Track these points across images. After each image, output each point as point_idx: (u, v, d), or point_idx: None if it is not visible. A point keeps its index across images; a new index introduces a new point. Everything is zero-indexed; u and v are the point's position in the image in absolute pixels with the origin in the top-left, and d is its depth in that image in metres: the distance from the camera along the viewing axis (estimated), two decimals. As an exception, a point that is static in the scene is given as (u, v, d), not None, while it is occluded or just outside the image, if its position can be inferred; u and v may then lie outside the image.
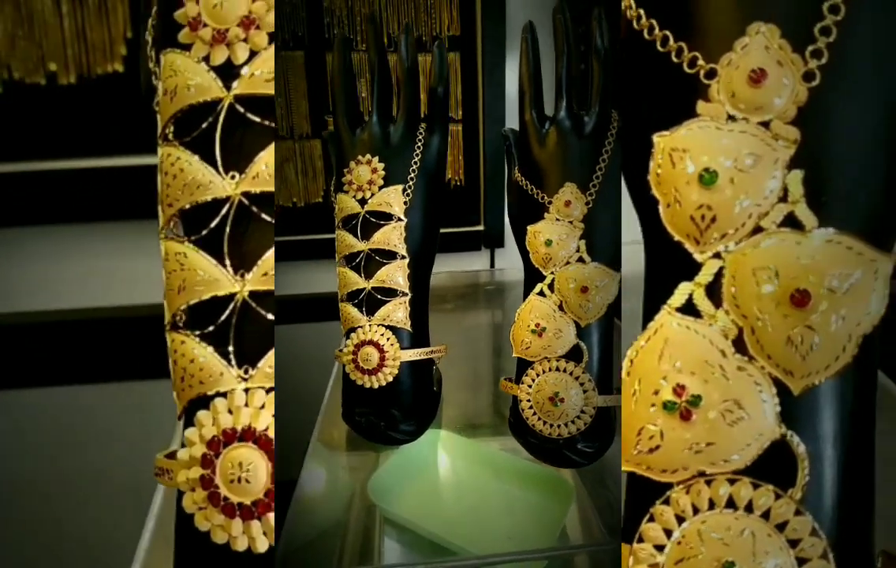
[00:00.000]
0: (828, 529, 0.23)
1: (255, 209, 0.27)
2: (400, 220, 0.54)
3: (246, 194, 0.27)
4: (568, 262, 0.48)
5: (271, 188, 0.28)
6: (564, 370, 0.47)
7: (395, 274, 0.54)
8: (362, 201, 0.55)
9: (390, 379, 0.53)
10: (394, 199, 0.54)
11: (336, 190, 0.58)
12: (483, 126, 1.32)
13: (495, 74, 1.27)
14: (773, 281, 0.23)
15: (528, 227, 0.51)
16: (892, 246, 0.25)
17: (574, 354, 0.48)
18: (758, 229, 0.23)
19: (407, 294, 0.54)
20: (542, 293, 0.49)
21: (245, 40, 0.28)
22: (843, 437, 0.23)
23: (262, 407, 0.27)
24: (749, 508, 0.23)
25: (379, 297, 0.54)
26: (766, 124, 0.24)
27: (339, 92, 0.59)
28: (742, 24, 0.25)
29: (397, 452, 0.60)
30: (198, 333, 0.28)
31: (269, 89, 0.28)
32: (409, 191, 0.55)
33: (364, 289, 0.54)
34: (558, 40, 0.54)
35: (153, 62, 0.30)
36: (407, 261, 0.54)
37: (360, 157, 0.56)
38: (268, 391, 0.27)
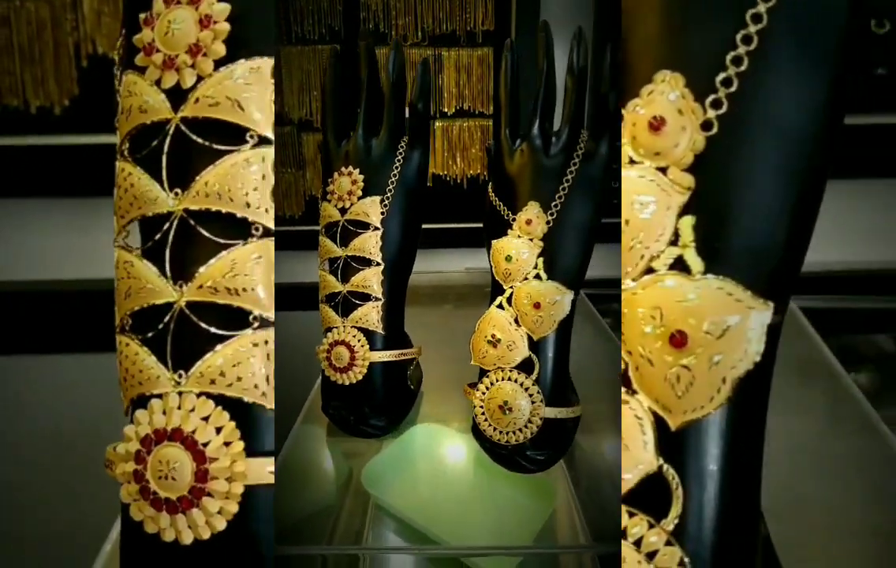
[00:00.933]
0: (703, 560, 0.24)
1: (195, 225, 0.29)
2: (376, 228, 0.57)
3: (187, 211, 0.29)
4: (526, 278, 0.49)
5: (214, 206, 0.29)
6: (516, 380, 0.48)
7: (370, 279, 0.57)
8: (342, 210, 0.58)
9: (360, 378, 0.56)
10: (371, 209, 0.57)
11: (322, 198, 0.60)
12: None
13: (526, 70, 1.33)
14: (656, 321, 0.24)
15: (493, 242, 0.52)
16: (785, 296, 0.26)
17: (526, 366, 0.49)
18: (649, 270, 0.25)
19: (380, 299, 0.57)
20: (500, 306, 0.50)
21: (192, 66, 0.29)
22: (722, 472, 0.24)
23: (192, 410, 0.28)
24: (623, 536, 0.24)
25: (354, 300, 0.57)
26: (663, 170, 0.25)
27: (329, 105, 0.62)
28: (651, 70, 0.26)
29: (394, 443, 0.62)
30: (140, 337, 0.30)
31: (215, 113, 0.29)
32: (386, 202, 0.58)
33: (340, 292, 0.57)
34: (539, 58, 0.55)
35: (118, 81, 0.33)
36: (382, 268, 0.57)
37: (342, 169, 0.59)
38: (200, 395, 0.29)
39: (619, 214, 0.26)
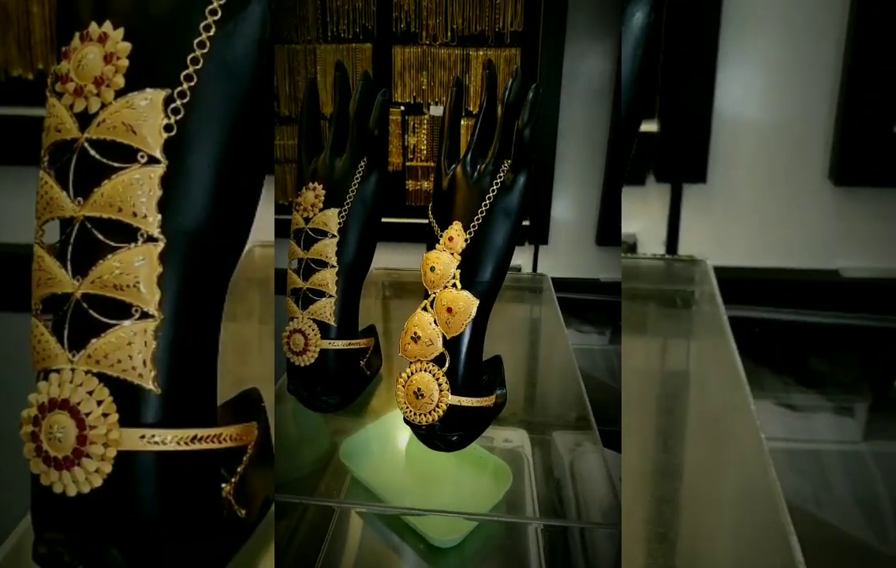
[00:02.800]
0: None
1: (92, 229, 0.32)
2: (333, 236, 0.64)
3: (87, 217, 0.32)
4: (445, 287, 0.54)
5: (107, 214, 0.32)
6: (429, 372, 0.54)
7: (326, 279, 0.63)
8: (307, 219, 0.64)
9: (312, 361, 0.63)
10: (330, 220, 0.64)
11: (293, 208, 0.67)
12: (537, 122, 1.36)
13: (553, 71, 1.26)
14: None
15: (424, 254, 0.57)
16: None
17: (439, 360, 0.54)
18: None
19: (334, 296, 0.63)
20: (425, 308, 0.55)
21: (97, 95, 0.31)
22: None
23: (81, 385, 0.31)
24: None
25: (311, 296, 0.64)
26: None
27: (304, 128, 0.68)
28: None
29: (372, 425, 0.71)
30: (45, 319, 0.33)
31: (112, 135, 0.31)
32: (343, 213, 0.64)
33: (301, 288, 0.64)
34: (482, 93, 0.60)
35: (48, 101, 0.39)
36: (336, 270, 0.64)
37: (309, 184, 0.65)
38: (87, 373, 0.33)
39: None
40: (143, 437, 0.33)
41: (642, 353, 0.90)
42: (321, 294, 0.64)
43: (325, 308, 0.64)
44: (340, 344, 0.65)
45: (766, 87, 1.26)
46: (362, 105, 0.66)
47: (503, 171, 0.57)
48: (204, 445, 0.35)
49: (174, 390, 0.34)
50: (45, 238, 0.35)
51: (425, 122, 1.35)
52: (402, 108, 1.35)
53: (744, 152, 1.28)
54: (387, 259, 1.13)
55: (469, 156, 0.58)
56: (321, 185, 0.66)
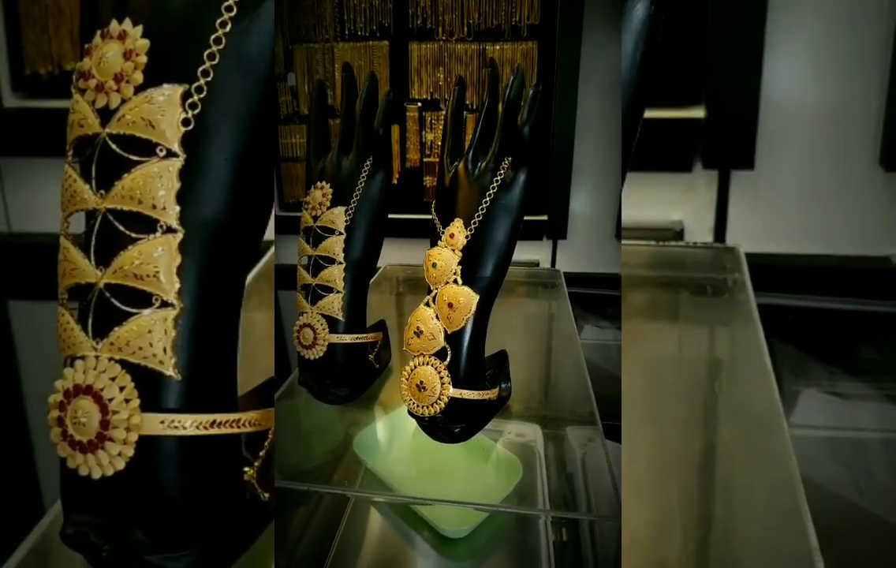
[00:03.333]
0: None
1: (114, 221, 0.33)
2: (341, 233, 0.65)
3: (109, 209, 0.33)
4: (447, 282, 0.55)
5: (128, 206, 0.33)
6: (432, 365, 0.54)
7: (334, 275, 0.65)
8: (315, 218, 0.66)
9: (321, 354, 0.65)
10: (337, 218, 0.65)
11: (303, 207, 0.68)
12: (555, 116, 1.31)
13: (571, 64, 1.27)
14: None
15: (427, 251, 0.58)
16: None
17: (440, 354, 0.55)
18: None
19: (341, 292, 0.65)
20: (427, 304, 0.56)
21: (118, 91, 0.33)
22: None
23: (104, 371, 0.32)
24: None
25: (320, 291, 0.65)
26: None
27: (312, 129, 0.69)
28: None
29: (386, 417, 0.72)
30: (71, 308, 0.34)
31: (132, 130, 0.32)
32: (350, 211, 0.65)
33: (311, 284, 0.66)
34: (484, 91, 0.59)
35: (72, 98, 0.40)
36: (344, 266, 0.65)
37: (317, 183, 0.67)
38: (110, 359, 0.34)
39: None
40: (163, 422, 0.34)
41: (672, 341, 0.90)
42: (329, 289, 0.66)
43: (333, 303, 0.66)
44: (348, 338, 0.67)
45: (815, 72, 1.24)
46: (368, 105, 0.67)
47: (504, 168, 0.57)
48: (223, 430, 0.36)
49: (194, 377, 0.35)
50: (71, 230, 0.36)
51: (442, 118, 1.36)
52: (419, 104, 1.37)
53: (792, 138, 1.27)
54: (404, 255, 1.15)
55: (471, 153, 0.59)
56: (328, 184, 0.67)
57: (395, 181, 1.41)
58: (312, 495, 0.63)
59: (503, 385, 0.64)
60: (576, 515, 0.63)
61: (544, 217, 1.35)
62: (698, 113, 1.26)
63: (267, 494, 0.41)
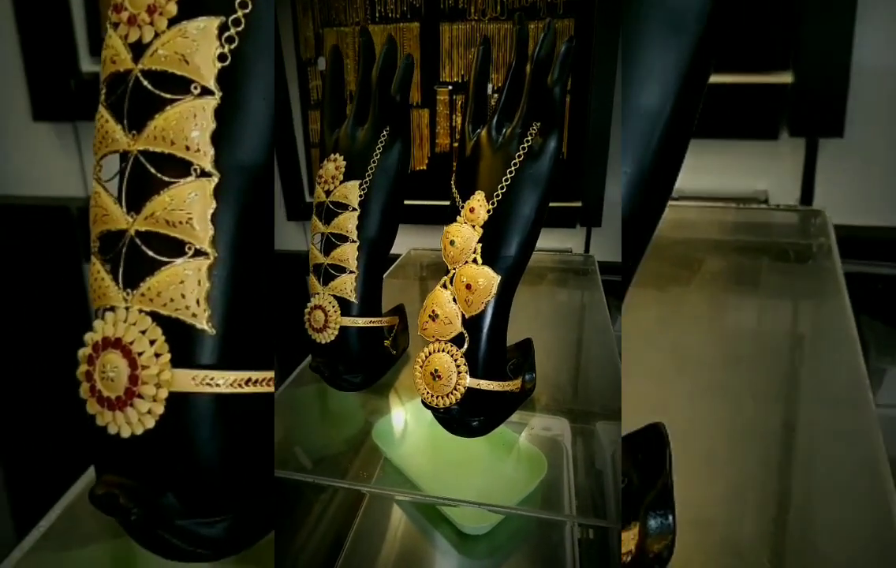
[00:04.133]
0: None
1: (145, 163, 0.32)
2: (354, 209, 0.63)
3: (141, 151, 0.32)
4: (466, 262, 0.52)
5: (160, 148, 0.32)
6: (447, 352, 0.52)
7: (347, 254, 0.63)
8: (328, 192, 0.64)
9: (333, 338, 0.63)
10: (350, 192, 0.64)
11: (316, 181, 0.66)
12: (590, 97, 1.28)
13: (609, 44, 1.23)
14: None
15: (445, 227, 0.55)
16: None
17: (457, 340, 0.52)
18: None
19: (354, 272, 0.63)
20: (444, 285, 0.53)
21: (151, 23, 0.32)
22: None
23: (134, 324, 0.32)
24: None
25: (332, 271, 0.64)
26: None
27: (327, 99, 0.68)
28: None
29: (409, 403, 0.70)
30: (102, 257, 0.34)
31: (166, 65, 0.32)
32: (365, 185, 0.64)
33: (322, 264, 0.64)
34: (512, 51, 0.56)
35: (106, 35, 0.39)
36: (357, 244, 0.63)
37: (331, 155, 0.65)
38: (141, 311, 0.33)
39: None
40: (195, 378, 0.33)
41: (751, 309, 0.88)
42: (342, 269, 0.64)
43: (346, 284, 0.64)
44: (362, 322, 0.65)
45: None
46: (385, 72, 0.65)
47: (531, 134, 0.53)
48: (259, 389, 0.35)
49: (229, 331, 0.34)
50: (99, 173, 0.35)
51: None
52: (450, 87, 1.37)
53: (884, 105, 1.24)
54: (433, 243, 1.14)
55: (495, 119, 0.55)
56: (342, 157, 0.66)
57: (424, 166, 1.41)
58: (335, 476, 0.61)
59: (527, 376, 0.61)
60: (602, 522, 0.60)
61: (578, 204, 1.33)
62: (785, 78, 1.24)
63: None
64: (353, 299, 0.64)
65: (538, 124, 0.53)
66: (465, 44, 1.33)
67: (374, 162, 0.65)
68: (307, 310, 0.65)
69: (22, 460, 1.46)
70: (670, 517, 0.33)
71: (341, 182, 0.65)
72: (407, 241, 1.27)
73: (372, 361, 0.68)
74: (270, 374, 0.36)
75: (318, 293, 0.65)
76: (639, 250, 0.29)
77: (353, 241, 0.64)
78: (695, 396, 0.64)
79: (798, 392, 0.67)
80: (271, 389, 0.35)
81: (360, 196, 0.64)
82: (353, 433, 0.70)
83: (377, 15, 1.33)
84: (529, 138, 0.53)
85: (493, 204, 0.53)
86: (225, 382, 0.34)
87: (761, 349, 0.75)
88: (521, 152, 0.53)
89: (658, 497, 0.36)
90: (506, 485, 0.63)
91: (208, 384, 0.33)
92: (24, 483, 1.43)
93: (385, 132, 0.65)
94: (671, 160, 0.28)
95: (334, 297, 0.64)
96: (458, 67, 1.35)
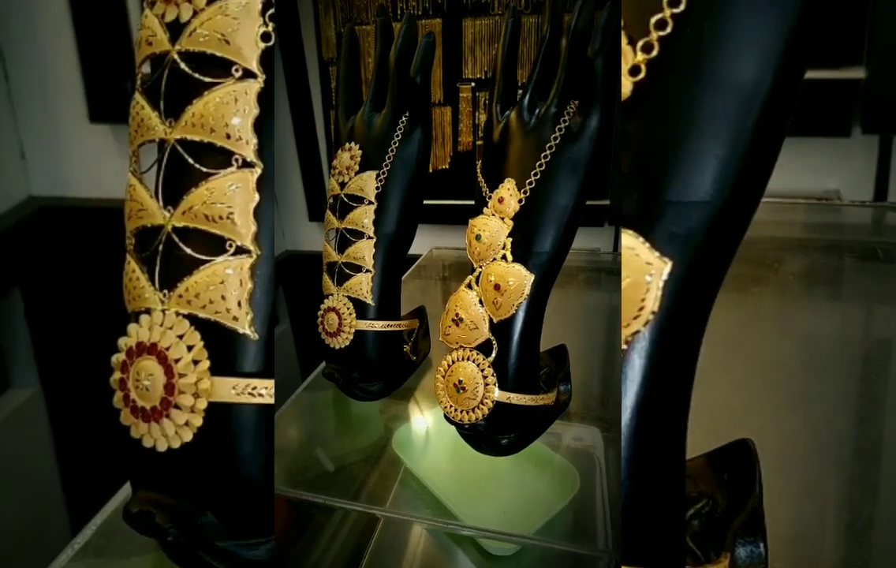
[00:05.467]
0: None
1: (183, 153, 0.32)
2: (371, 203, 0.62)
3: (178, 140, 0.32)
4: (494, 259, 0.49)
5: (199, 136, 0.32)
6: (474, 361, 0.50)
7: (363, 252, 0.62)
8: (342, 185, 0.63)
9: (347, 343, 0.62)
10: (367, 184, 0.62)
11: (330, 173, 0.65)
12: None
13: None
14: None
15: (469, 220, 0.52)
16: (704, 254, 0.26)
17: (484, 348, 0.50)
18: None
19: (371, 271, 0.62)
20: (469, 286, 0.51)
21: (189, 1, 0.32)
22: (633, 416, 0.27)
23: (171, 328, 0.31)
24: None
25: (347, 270, 0.63)
26: None
27: (341, 82, 0.67)
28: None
29: (432, 409, 0.69)
30: (137, 256, 0.33)
31: (205, 46, 0.32)
32: (382, 177, 0.62)
33: (337, 262, 0.63)
34: (544, 20, 0.53)
35: (142, 14, 0.38)
36: (374, 241, 0.62)
37: (345, 144, 0.64)
38: (178, 314, 0.32)
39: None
40: (236, 387, 0.33)
41: (834, 312, 0.86)
42: (357, 268, 0.63)
43: (362, 284, 0.63)
44: (379, 325, 0.64)
45: None
46: (404, 53, 0.64)
47: (569, 113, 0.50)
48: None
49: (270, 336, 0.33)
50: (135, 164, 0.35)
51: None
52: (473, 84, 1.41)
53: None
54: (454, 242, 1.13)
55: (527, 98, 0.51)
56: (357, 146, 0.64)
57: (446, 166, 1.44)
58: (349, 491, 0.61)
59: (562, 387, 0.59)
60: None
61: (606, 201, 1.33)
62: (858, 73, 1.25)
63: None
64: (369, 301, 0.63)
65: (576, 102, 0.50)
66: (488, 39, 1.37)
67: (392, 151, 0.63)
68: (320, 312, 0.64)
69: (77, 462, 1.53)
70: (761, 545, 0.33)
71: (357, 173, 0.64)
72: (428, 241, 1.28)
73: (390, 368, 0.67)
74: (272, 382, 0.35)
75: (331, 294, 0.64)
76: (733, 246, 0.28)
77: (370, 238, 0.63)
78: (779, 407, 0.63)
79: (887, 403, 0.66)
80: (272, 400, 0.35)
81: (377, 188, 0.63)
82: (372, 441, 0.70)
83: (399, 11, 1.37)
84: (567, 118, 0.50)
85: (525, 193, 0.50)
86: (268, 391, 0.33)
87: (848, 356, 0.74)
88: (558, 134, 0.49)
89: (747, 522, 0.34)
90: (535, 501, 0.62)
91: (250, 394, 0.33)
92: (81, 483, 1.50)
93: (404, 118, 0.64)
94: (771, 142, 0.27)
95: (349, 298, 0.63)
96: (482, 64, 1.39)
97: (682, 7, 0.25)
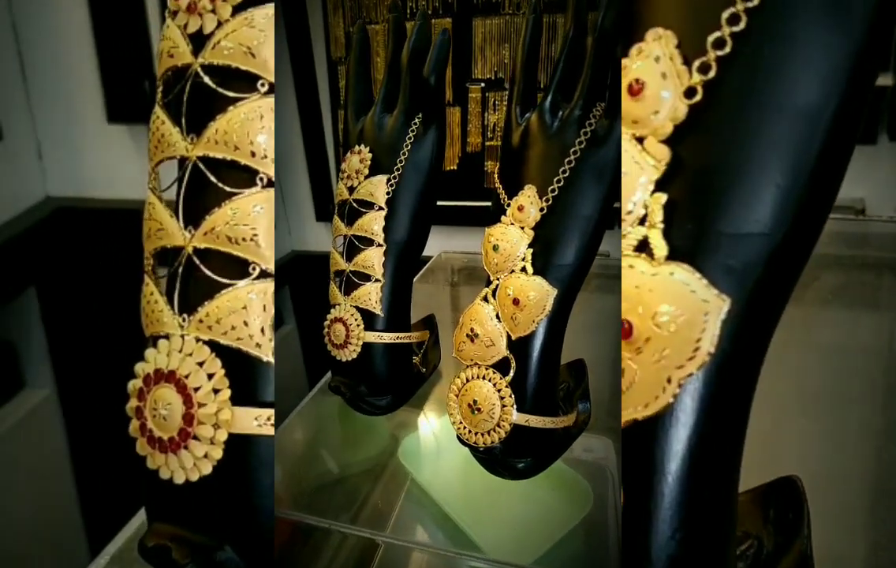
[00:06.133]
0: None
1: (206, 171, 0.32)
2: (381, 208, 0.61)
3: (200, 157, 0.32)
4: (513, 271, 0.48)
5: (222, 153, 0.31)
6: (490, 380, 0.48)
7: (372, 260, 0.61)
8: (351, 189, 0.62)
9: (355, 356, 0.61)
10: (377, 189, 0.61)
11: (339, 177, 0.64)
12: None
13: None
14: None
15: (486, 229, 0.51)
16: (765, 293, 0.25)
17: (501, 366, 0.48)
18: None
19: (380, 280, 0.61)
20: (485, 299, 0.50)
21: (213, 12, 0.31)
22: (676, 472, 0.26)
23: (191, 355, 0.31)
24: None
25: (355, 279, 0.62)
26: (640, 140, 0.25)
27: (352, 82, 0.66)
28: (647, 27, 0.26)
29: (440, 418, 0.69)
30: (156, 277, 0.33)
31: (231, 60, 0.31)
32: (393, 181, 0.61)
33: (344, 270, 0.62)
34: (567, 17, 0.51)
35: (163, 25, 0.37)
36: (384, 249, 0.61)
37: (355, 147, 0.63)
38: (198, 341, 0.32)
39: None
40: (258, 418, 0.32)
41: (878, 332, 0.85)
42: (366, 277, 0.62)
43: (371, 294, 0.62)
44: (388, 337, 0.63)
45: None
46: (417, 51, 0.63)
47: (594, 116, 0.48)
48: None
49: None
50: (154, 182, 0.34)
51: (506, 98, 1.39)
52: (483, 84, 1.43)
53: None
54: (463, 245, 1.13)
55: (549, 100, 0.50)
56: (367, 148, 0.63)
57: (454, 167, 1.47)
58: (355, 500, 0.60)
59: (580, 406, 0.57)
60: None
61: (615, 204, 1.36)
62: (886, 80, 1.24)
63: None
64: (378, 312, 0.62)
65: (602, 105, 0.49)
66: (498, 39, 1.38)
67: (403, 155, 0.62)
68: (326, 323, 0.63)
69: (92, 464, 1.56)
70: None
71: (366, 177, 0.63)
72: (435, 243, 1.29)
73: (399, 382, 0.66)
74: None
75: (338, 304, 0.63)
76: (792, 281, 0.27)
77: (380, 245, 0.62)
78: (824, 435, 0.62)
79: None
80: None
81: (388, 193, 0.62)
82: (378, 451, 0.69)
83: (408, 11, 1.40)
84: (592, 121, 0.48)
85: (547, 201, 0.48)
86: (271, 420, 0.32)
87: (882, 373, 0.73)
88: (583, 138, 0.48)
89: (795, 565, 0.34)
90: (547, 515, 0.61)
91: (272, 425, 0.32)
92: (96, 486, 1.53)
93: (417, 120, 0.63)
94: (835, 169, 0.26)
95: (357, 308, 0.62)
96: (491, 64, 1.41)
97: (742, 25, 0.24)
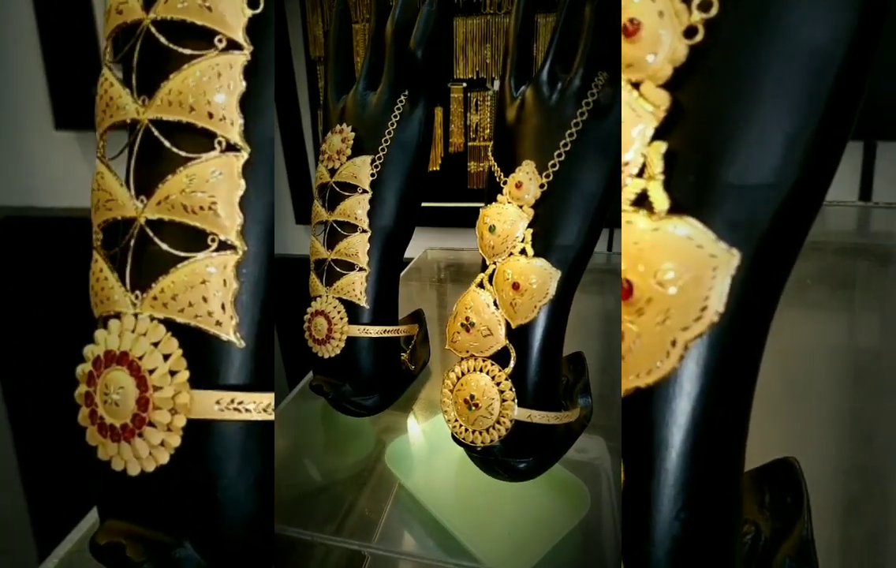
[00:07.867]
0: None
1: (159, 135, 0.31)
2: (365, 192, 0.60)
3: (152, 120, 0.31)
4: (511, 253, 0.47)
5: (176, 115, 0.31)
6: (488, 372, 0.47)
7: (356, 247, 0.60)
8: (332, 171, 0.62)
9: (338, 351, 0.60)
10: (360, 171, 0.61)
11: (319, 159, 0.64)
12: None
13: None
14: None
15: (481, 210, 0.50)
16: (772, 248, 0.25)
17: (501, 357, 0.47)
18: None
19: (365, 269, 0.60)
20: (481, 285, 0.48)
21: None
22: (683, 442, 0.25)
23: (144, 334, 0.30)
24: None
25: (338, 269, 0.61)
26: (636, 85, 0.25)
27: (332, 59, 0.65)
28: None
29: (429, 420, 0.68)
30: (105, 253, 0.33)
31: (186, 14, 0.31)
32: (378, 162, 0.61)
33: (326, 259, 0.61)
34: None
35: None
36: (369, 235, 0.60)
37: (336, 126, 0.63)
38: (153, 319, 0.32)
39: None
40: (219, 402, 0.32)
41: (860, 319, 0.88)
42: (350, 266, 0.61)
43: (355, 284, 0.61)
44: (374, 331, 0.62)
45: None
46: (402, 23, 0.62)
47: (596, 86, 0.47)
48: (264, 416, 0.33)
49: (261, 343, 0.32)
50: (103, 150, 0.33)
51: (489, 98, 1.48)
52: (465, 84, 1.49)
53: None
54: (447, 244, 1.13)
55: (546, 70, 0.50)
56: (350, 128, 0.63)
57: (437, 168, 1.53)
58: (340, 508, 0.59)
59: (581, 401, 0.57)
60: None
61: None
62: None
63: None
64: (362, 303, 0.61)
65: (605, 74, 0.48)
66: (479, 39, 1.44)
67: (389, 134, 0.62)
68: (307, 316, 0.62)
69: (44, 482, 1.59)
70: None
71: (349, 158, 0.62)
72: (420, 244, 1.31)
73: (386, 380, 0.65)
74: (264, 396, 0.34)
75: (320, 296, 0.62)
76: (801, 235, 0.26)
77: (364, 231, 0.61)
78: (816, 426, 0.62)
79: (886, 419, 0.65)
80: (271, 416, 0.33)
81: (372, 175, 0.62)
82: (364, 455, 0.69)
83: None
84: (595, 91, 0.48)
85: (547, 177, 0.47)
86: (256, 406, 0.32)
87: (882, 367, 0.73)
88: (585, 109, 0.47)
89: (796, 551, 0.33)
90: (542, 520, 0.60)
91: (236, 409, 0.32)
92: (47, 506, 1.56)
93: (403, 97, 0.63)
94: (845, 115, 0.25)
95: (340, 300, 0.61)
96: (473, 64, 1.47)
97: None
